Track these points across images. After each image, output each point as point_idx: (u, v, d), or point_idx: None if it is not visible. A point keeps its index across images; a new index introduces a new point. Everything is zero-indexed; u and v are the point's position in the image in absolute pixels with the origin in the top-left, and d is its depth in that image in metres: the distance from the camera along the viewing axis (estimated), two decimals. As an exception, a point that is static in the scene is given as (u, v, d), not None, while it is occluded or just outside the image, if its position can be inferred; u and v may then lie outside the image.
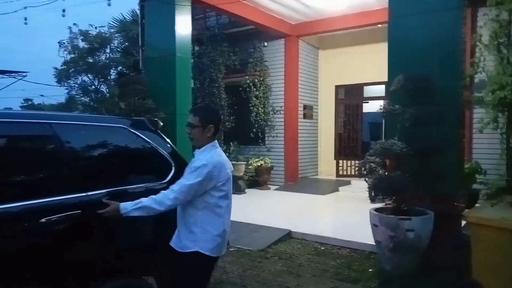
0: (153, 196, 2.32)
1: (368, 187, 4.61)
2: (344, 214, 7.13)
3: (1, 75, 19.21)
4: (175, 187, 2.33)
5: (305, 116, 10.52)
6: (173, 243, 2.46)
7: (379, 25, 8.52)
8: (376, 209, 4.37)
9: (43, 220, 2.20)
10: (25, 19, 8.87)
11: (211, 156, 2.40)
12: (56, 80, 14.33)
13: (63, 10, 8.13)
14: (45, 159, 2.38)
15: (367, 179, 4.50)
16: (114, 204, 2.31)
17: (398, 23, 4.81)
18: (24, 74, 20.27)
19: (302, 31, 9.96)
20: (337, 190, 9.14)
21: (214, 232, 2.36)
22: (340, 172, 10.70)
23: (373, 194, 4.74)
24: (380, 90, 9.42)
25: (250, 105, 9.98)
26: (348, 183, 9.68)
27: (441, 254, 4.08)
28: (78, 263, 2.34)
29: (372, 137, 12.23)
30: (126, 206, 2.28)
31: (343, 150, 10.88)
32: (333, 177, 10.59)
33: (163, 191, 2.35)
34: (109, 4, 7.80)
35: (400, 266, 4.02)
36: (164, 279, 2.76)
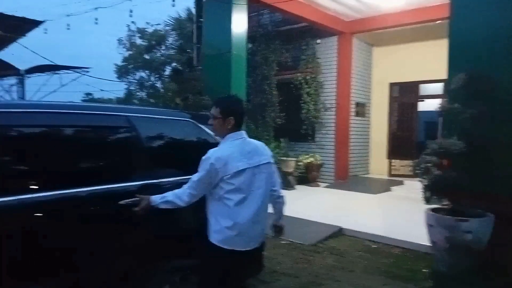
0: (176, 191, 2.42)
1: (423, 187, 4.54)
2: (396, 213, 7.02)
3: (67, 71, 20.52)
4: (188, 182, 2.39)
5: (357, 114, 10.40)
6: None
7: (438, 22, 8.25)
8: (432, 209, 4.31)
9: (121, 202, 2.46)
10: (96, 19, 9.50)
11: (219, 149, 2.38)
12: (117, 75, 15.21)
13: (130, 11, 8.63)
14: (124, 148, 2.65)
15: (422, 179, 4.44)
16: (146, 198, 2.45)
17: (461, 18, 4.66)
18: (87, 69, 21.52)
19: (356, 28, 9.84)
20: (389, 190, 8.97)
21: (224, 224, 2.33)
22: (393, 172, 10.48)
23: (428, 195, 4.67)
24: (437, 88, 9.11)
25: (302, 102, 10.04)
26: (401, 183, 9.48)
27: (500, 257, 3.96)
28: (146, 243, 2.58)
29: (427, 136, 11.83)
30: (155, 199, 2.43)
31: (396, 149, 10.64)
32: (385, 177, 10.40)
33: (184, 186, 2.42)
34: (173, 5, 8.18)
35: (456, 267, 3.95)
36: None
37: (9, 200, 2.05)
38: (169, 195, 2.42)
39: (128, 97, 15.08)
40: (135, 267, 2.53)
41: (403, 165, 10.31)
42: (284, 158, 9.16)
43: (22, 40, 11.96)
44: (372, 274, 4.27)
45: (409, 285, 4.00)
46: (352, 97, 10.19)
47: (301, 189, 9.18)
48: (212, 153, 2.33)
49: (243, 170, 2.34)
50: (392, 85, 10.74)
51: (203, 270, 2.48)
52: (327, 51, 10.22)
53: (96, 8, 9.95)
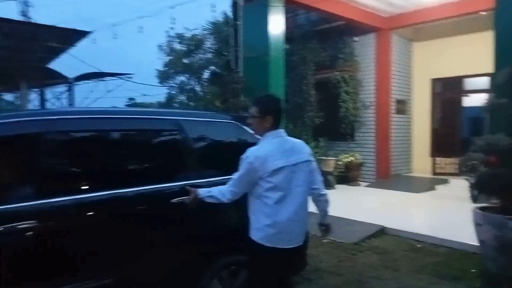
0: (220, 187, 2.51)
1: (470, 186, 4.44)
2: (441, 212, 6.83)
3: (112, 77, 21.52)
4: (230, 180, 2.46)
5: (397, 111, 10.19)
6: None
7: (481, 13, 7.94)
8: (480, 208, 4.20)
9: (174, 200, 2.63)
10: (141, 28, 9.93)
11: (258, 147, 2.41)
12: (158, 80, 15.73)
13: (173, 18, 8.93)
14: (175, 150, 2.83)
15: (468, 177, 4.34)
16: (194, 190, 2.57)
17: (507, 8, 4.50)
18: (130, 75, 22.46)
19: (395, 23, 9.65)
20: (433, 189, 8.73)
21: (264, 222, 2.35)
22: (436, 170, 10.18)
23: (476, 193, 4.55)
24: (482, 83, 8.77)
25: (340, 100, 9.97)
26: (446, 181, 9.18)
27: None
28: (197, 239, 2.75)
29: (472, 133, 11.38)
30: (202, 193, 2.54)
31: (439, 146, 10.32)
32: (429, 175, 10.11)
33: (227, 183, 2.49)
34: (213, 11, 8.41)
35: (507, 267, 3.83)
36: None
37: (85, 197, 2.35)
38: (214, 191, 2.52)
39: (169, 101, 15.56)
40: (187, 263, 2.68)
41: (447, 163, 9.98)
42: (323, 158, 9.13)
43: (71, 50, 12.69)
44: (417, 273, 4.21)
45: (458, 285, 3.92)
46: (392, 94, 10.00)
47: (341, 189, 9.11)
48: (251, 152, 2.38)
49: (281, 168, 2.35)
50: (434, 80, 10.43)
51: (250, 267, 2.57)
52: (365, 48, 10.09)
53: (141, 17, 10.42)
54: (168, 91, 15.72)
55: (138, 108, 3.65)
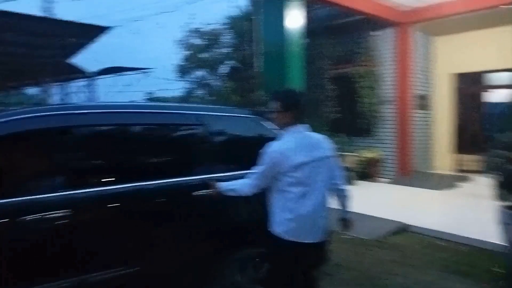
0: (241, 181, 2.56)
1: (495, 184, 4.32)
2: (464, 210, 6.71)
3: (133, 72, 21.79)
4: (253, 174, 2.49)
5: (418, 107, 10.02)
6: None
7: (505, 7, 7.72)
8: (508, 207, 4.09)
9: (195, 193, 2.69)
10: (158, 23, 10.05)
11: (279, 142, 2.42)
12: (178, 75, 15.83)
13: (192, 14, 8.99)
14: (198, 144, 2.87)
15: (492, 174, 4.23)
16: (215, 184, 2.64)
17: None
18: (150, 70, 22.71)
19: (415, 17, 9.46)
20: (456, 186, 8.57)
21: (285, 216, 2.38)
22: (459, 167, 9.99)
23: (501, 191, 4.43)
24: (506, 78, 8.56)
25: (358, 96, 9.86)
26: (468, 178, 9.01)
27: None
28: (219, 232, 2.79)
29: (496, 129, 11.12)
30: (223, 186, 2.62)
31: (462, 143, 10.12)
32: (451, 172, 9.93)
33: (251, 176, 2.52)
34: (234, 6, 8.43)
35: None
36: None
37: (113, 188, 2.48)
38: (235, 184, 2.58)
39: (186, 96, 15.66)
40: (210, 255, 2.72)
41: (469, 160, 9.79)
42: (343, 153, 9.06)
43: (91, 45, 12.95)
44: (439, 271, 4.16)
45: (482, 284, 3.85)
46: (413, 90, 9.83)
47: (361, 185, 9.03)
48: (274, 146, 2.39)
49: (303, 163, 2.36)
50: (456, 75, 10.22)
51: (270, 260, 2.58)
52: (384, 43, 9.93)
53: (160, 13, 10.58)
54: (186, 85, 15.80)
55: (165, 103, 3.71)
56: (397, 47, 9.73)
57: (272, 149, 2.38)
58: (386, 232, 5.39)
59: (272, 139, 2.48)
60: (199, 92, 15.17)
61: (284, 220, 2.38)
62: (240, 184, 2.56)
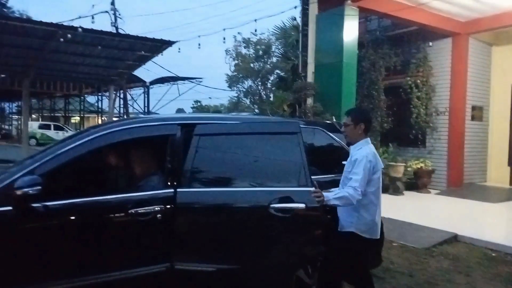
0: (346, 190, 2.67)
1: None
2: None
3: (183, 81, 22.95)
4: (354, 182, 2.66)
5: (473, 118, 9.88)
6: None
7: None
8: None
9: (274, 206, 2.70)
10: (224, 38, 10.85)
11: (367, 151, 2.80)
12: (228, 85, 16.41)
13: (255, 30, 9.49)
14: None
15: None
16: (323, 194, 2.66)
17: None
18: (200, 80, 23.76)
19: (474, 28, 9.39)
20: (510, 199, 8.38)
21: (369, 217, 2.80)
22: (515, 180, 9.70)
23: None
24: None
25: (411, 106, 9.87)
26: (525, 192, 8.77)
27: None
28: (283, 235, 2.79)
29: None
30: (328, 195, 2.66)
31: (519, 155, 9.82)
32: (506, 185, 9.67)
33: (349, 186, 2.67)
34: (294, 19, 8.86)
35: None
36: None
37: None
38: (342, 193, 2.68)
39: (235, 105, 16.14)
40: (278, 257, 2.77)
41: (527, 173, 9.48)
42: (393, 163, 9.11)
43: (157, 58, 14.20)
44: (491, 280, 4.25)
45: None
46: (468, 100, 9.72)
47: (410, 195, 9.06)
48: (365, 154, 2.75)
49: (381, 168, 2.85)
50: (515, 86, 9.95)
51: (344, 259, 2.85)
52: (439, 53, 9.90)
53: (224, 29, 11.38)
54: (237, 95, 16.28)
55: (254, 116, 4.00)
56: (453, 58, 9.68)
57: (367, 155, 2.74)
58: (437, 241, 5.48)
59: (339, 149, 2.82)
60: (248, 101, 15.60)
61: (368, 221, 2.81)
62: (347, 193, 2.65)
